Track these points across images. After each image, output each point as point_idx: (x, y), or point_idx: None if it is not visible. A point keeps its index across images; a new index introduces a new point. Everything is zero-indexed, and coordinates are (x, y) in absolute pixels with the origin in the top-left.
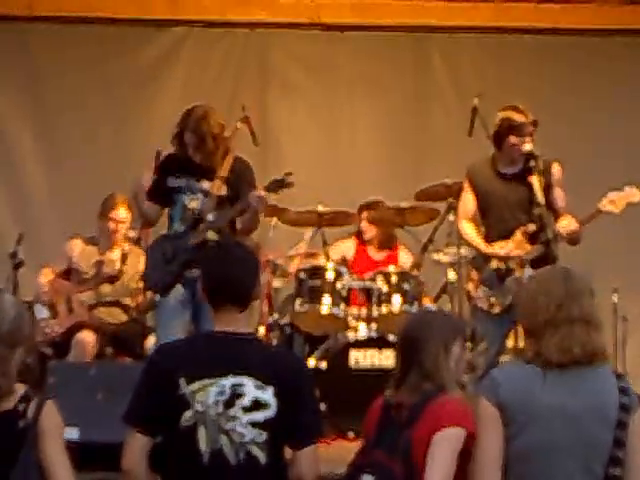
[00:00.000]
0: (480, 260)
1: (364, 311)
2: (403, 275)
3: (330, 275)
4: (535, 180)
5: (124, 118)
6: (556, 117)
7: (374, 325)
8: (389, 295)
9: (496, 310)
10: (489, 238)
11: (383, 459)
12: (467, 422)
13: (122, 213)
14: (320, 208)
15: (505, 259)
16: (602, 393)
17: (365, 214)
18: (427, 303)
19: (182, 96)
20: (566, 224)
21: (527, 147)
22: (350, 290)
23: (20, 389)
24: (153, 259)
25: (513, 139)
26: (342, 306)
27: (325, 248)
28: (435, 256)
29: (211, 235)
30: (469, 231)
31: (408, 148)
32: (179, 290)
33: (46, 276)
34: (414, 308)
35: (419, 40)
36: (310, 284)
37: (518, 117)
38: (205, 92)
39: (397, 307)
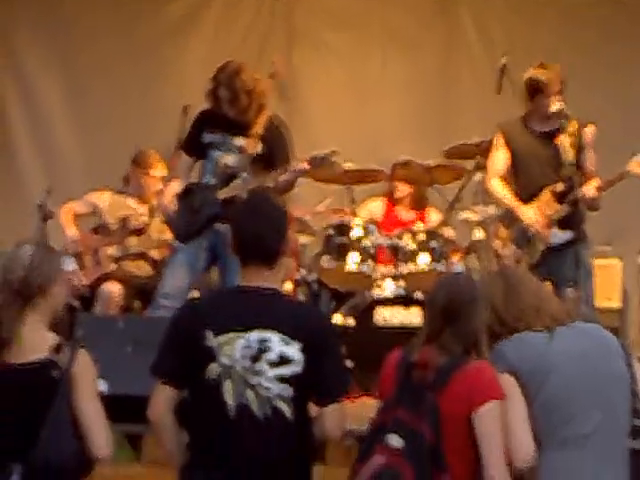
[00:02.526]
0: (509, 218)
1: (391, 268)
2: (430, 233)
3: (357, 232)
4: (564, 139)
5: (151, 76)
6: (583, 79)
7: (401, 283)
8: (416, 253)
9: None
10: (519, 195)
11: (408, 419)
12: (500, 391)
13: (160, 172)
14: (348, 165)
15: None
16: (601, 335)
17: (399, 172)
18: (455, 260)
19: (208, 55)
20: (591, 187)
21: (557, 106)
22: (377, 247)
23: (51, 340)
24: (180, 206)
25: (541, 98)
26: (369, 263)
27: (352, 205)
28: (462, 215)
29: (243, 193)
30: (499, 189)
31: (437, 106)
32: (199, 241)
33: (66, 213)
34: (441, 266)
35: None
36: (337, 241)
37: (545, 76)
38: (232, 51)
39: (424, 265)
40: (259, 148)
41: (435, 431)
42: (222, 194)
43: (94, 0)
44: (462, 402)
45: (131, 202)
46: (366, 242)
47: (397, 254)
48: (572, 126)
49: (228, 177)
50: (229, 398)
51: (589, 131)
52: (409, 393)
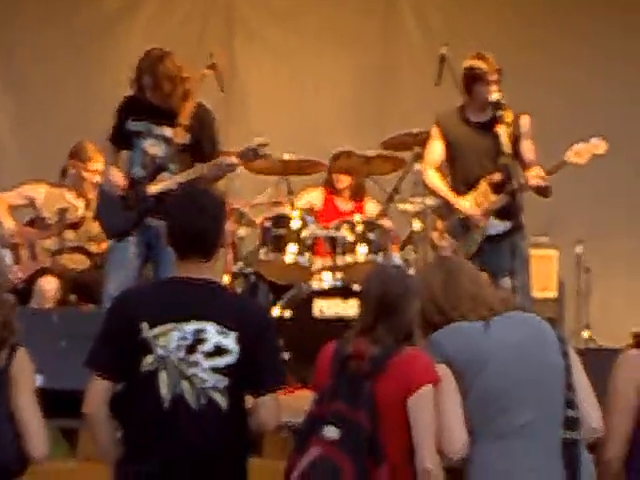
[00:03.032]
0: (445, 209)
1: (329, 260)
2: (369, 224)
3: (295, 224)
4: (502, 129)
5: (90, 67)
6: (521, 70)
7: (339, 274)
8: (354, 244)
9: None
10: (455, 186)
11: (345, 410)
12: (435, 375)
13: (99, 165)
14: (286, 156)
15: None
16: (537, 325)
17: (339, 163)
18: (393, 252)
19: (147, 45)
20: (534, 174)
21: (494, 96)
22: (315, 239)
23: None
24: (110, 203)
25: (478, 87)
26: (307, 255)
27: (290, 197)
28: (401, 206)
29: (174, 186)
30: (435, 180)
31: (375, 97)
32: (134, 237)
33: (8, 222)
34: (379, 258)
35: None
36: (275, 233)
37: (482, 65)
38: (171, 40)
39: (362, 257)
40: (186, 138)
41: (373, 420)
42: (153, 189)
43: None
44: (398, 388)
45: (68, 195)
46: (304, 234)
47: (335, 246)
48: (508, 116)
49: (156, 168)
50: (164, 389)
51: (524, 121)
52: (346, 384)
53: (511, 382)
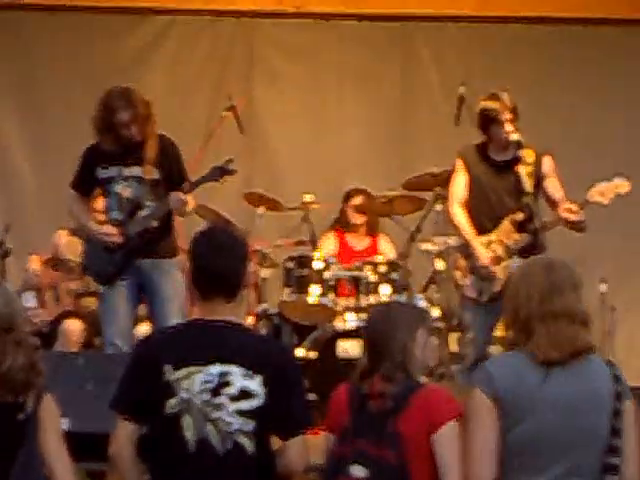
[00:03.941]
0: (468, 248)
1: (352, 301)
2: (391, 265)
3: (318, 264)
4: (522, 169)
5: None
6: (540, 106)
7: (362, 315)
8: (377, 285)
9: (484, 298)
10: (476, 224)
11: (370, 448)
12: (458, 410)
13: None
14: (307, 198)
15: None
16: (596, 382)
17: (353, 201)
18: (416, 293)
19: (167, 85)
20: (567, 208)
21: (514, 137)
22: (338, 280)
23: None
24: (94, 249)
25: (494, 128)
26: (330, 296)
27: (313, 237)
28: (423, 245)
29: (152, 223)
30: (461, 219)
31: (395, 137)
32: (123, 280)
33: (33, 263)
34: (402, 298)
35: (405, 29)
36: (298, 273)
37: (495, 106)
38: (190, 81)
39: (385, 297)
40: (155, 174)
41: (399, 457)
42: (133, 228)
43: (52, 26)
44: (422, 424)
45: None
46: (327, 275)
47: (358, 286)
48: (529, 155)
49: (133, 208)
50: (189, 432)
51: (547, 160)
52: (369, 423)
53: (550, 442)
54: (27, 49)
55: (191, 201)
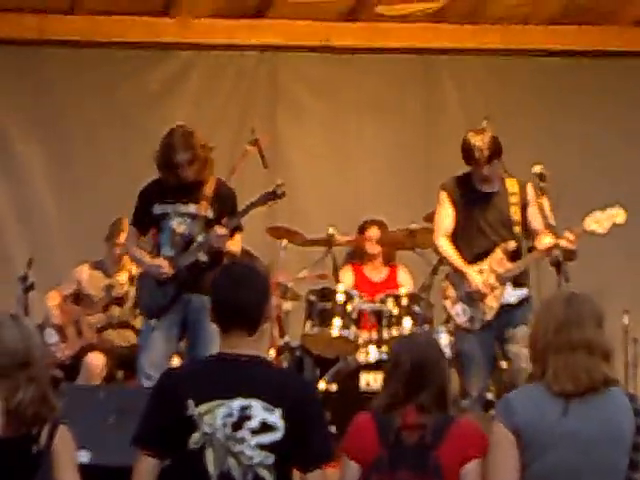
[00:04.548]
0: (457, 276)
1: (374, 334)
2: (413, 297)
3: (340, 297)
4: (509, 198)
5: (133, 142)
6: (558, 135)
7: (385, 348)
8: (400, 317)
9: (477, 327)
10: (465, 254)
11: (413, 479)
12: (486, 449)
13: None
14: (330, 231)
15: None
16: (617, 416)
17: (370, 232)
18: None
19: (191, 120)
20: (544, 242)
21: (536, 169)
22: (360, 312)
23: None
24: (147, 284)
25: (474, 165)
26: (352, 329)
27: (336, 270)
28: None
29: (201, 256)
30: (447, 248)
31: (417, 170)
32: (171, 314)
33: (53, 299)
34: (425, 330)
35: (428, 63)
36: (320, 306)
37: (475, 141)
38: (214, 115)
39: (408, 330)
40: (209, 212)
41: None
42: (184, 261)
43: (76, 66)
44: (456, 457)
45: (111, 271)
46: (349, 307)
47: (381, 319)
48: (512, 185)
49: (185, 245)
50: (211, 467)
51: (529, 189)
52: (407, 454)
53: (569, 477)
54: (51, 84)
55: (238, 241)
